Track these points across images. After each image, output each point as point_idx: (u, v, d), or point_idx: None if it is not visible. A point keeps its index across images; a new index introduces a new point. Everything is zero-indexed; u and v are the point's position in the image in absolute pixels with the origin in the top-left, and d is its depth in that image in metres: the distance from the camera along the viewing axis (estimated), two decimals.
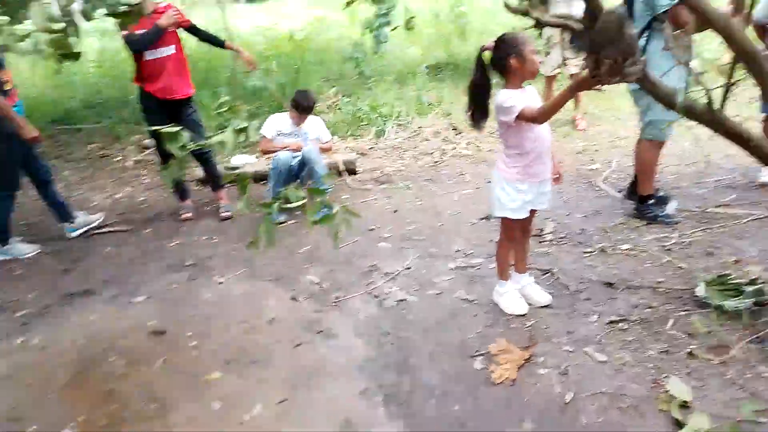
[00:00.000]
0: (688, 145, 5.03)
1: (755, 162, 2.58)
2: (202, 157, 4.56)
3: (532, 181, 2.67)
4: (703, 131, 2.60)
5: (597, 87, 2.22)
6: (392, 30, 5.42)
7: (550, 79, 6.13)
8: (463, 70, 8.42)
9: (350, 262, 3.65)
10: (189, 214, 4.61)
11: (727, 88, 2.30)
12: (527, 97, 2.58)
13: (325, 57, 9.36)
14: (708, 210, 3.89)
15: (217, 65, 8.11)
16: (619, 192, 4.36)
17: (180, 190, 4.67)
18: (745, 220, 3.70)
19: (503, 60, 2.54)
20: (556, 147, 5.61)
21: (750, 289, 2.69)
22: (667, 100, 2.32)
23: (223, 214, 4.58)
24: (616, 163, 5.02)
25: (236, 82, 7.22)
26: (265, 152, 4.77)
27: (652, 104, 3.61)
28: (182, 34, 4.47)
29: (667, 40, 3.39)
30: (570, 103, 6.40)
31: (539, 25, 2.39)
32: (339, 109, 6.70)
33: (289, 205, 2.27)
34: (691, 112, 2.30)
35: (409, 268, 3.51)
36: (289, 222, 4.37)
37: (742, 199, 4.04)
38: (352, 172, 5.41)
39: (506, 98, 2.51)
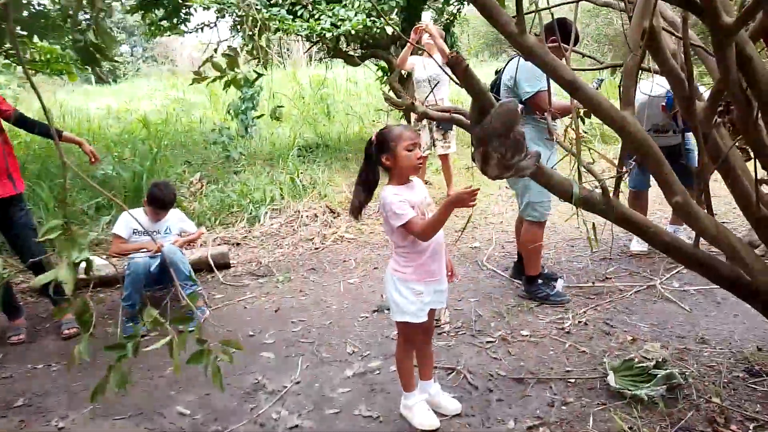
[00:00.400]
0: (556, 218, 5.20)
1: (623, 231, 2.56)
2: (37, 265, 3.80)
3: (429, 280, 2.42)
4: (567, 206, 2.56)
5: (472, 203, 2.17)
6: (258, 117, 5.07)
7: (422, 159, 6.16)
8: (333, 150, 8.34)
9: (228, 382, 3.10)
10: (20, 336, 3.77)
11: (619, 177, 2.26)
12: (415, 193, 2.40)
13: (186, 141, 8.83)
14: (594, 285, 3.92)
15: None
16: (505, 271, 4.31)
17: (8, 307, 3.83)
18: (629, 293, 3.75)
19: (378, 158, 2.36)
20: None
21: (659, 373, 2.60)
22: (562, 192, 2.22)
23: (66, 332, 3.80)
24: (496, 241, 5.03)
25: (82, 172, 6.42)
26: (118, 255, 4.11)
27: (528, 186, 3.63)
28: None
29: (545, 128, 3.47)
30: (443, 182, 6.53)
31: (424, 117, 2.21)
32: (205, 196, 6.17)
33: (151, 346, 1.76)
34: (588, 203, 2.21)
35: (298, 382, 3.05)
36: (149, 335, 3.72)
37: (621, 270, 4.15)
38: (224, 266, 4.88)
39: (395, 200, 2.30)
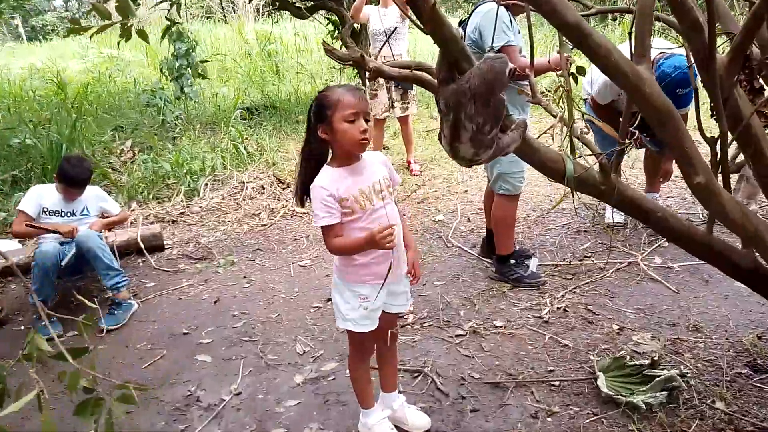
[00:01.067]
0: (527, 188, 4.81)
1: (597, 200, 2.16)
2: None
3: (375, 282, 1.97)
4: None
5: (388, 245, 1.78)
6: (199, 78, 4.35)
7: (380, 123, 5.64)
8: (282, 113, 7.71)
9: (155, 395, 2.62)
10: None
11: (621, 151, 1.83)
12: (361, 178, 1.91)
13: (120, 104, 8.01)
14: (570, 264, 3.56)
15: None
16: (473, 248, 3.90)
17: None
18: (609, 272, 3.41)
19: (314, 129, 1.87)
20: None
21: (657, 375, 2.25)
22: (552, 170, 1.78)
23: None
24: (461, 213, 4.61)
25: None
26: (21, 236, 3.50)
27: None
28: None
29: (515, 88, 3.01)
30: (402, 148, 6.03)
31: (378, 75, 1.71)
32: (136, 167, 5.50)
33: (7, 409, 1.24)
34: (584, 183, 1.78)
35: (239, 394, 2.59)
36: (65, 336, 3.17)
37: (598, 245, 3.80)
38: (157, 248, 4.31)
39: (318, 196, 1.85)
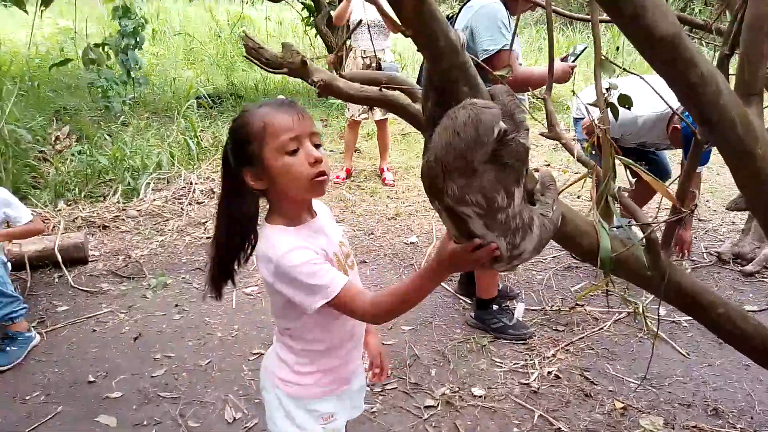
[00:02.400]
0: None
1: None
2: None
3: (341, 390, 1.40)
4: None
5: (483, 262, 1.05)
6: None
7: (355, 124, 5.05)
8: (247, 101, 7.04)
9: None
10: None
11: (679, 219, 1.29)
12: (325, 237, 1.31)
13: (70, 83, 7.22)
14: (561, 311, 3.04)
15: None
16: (449, 282, 3.36)
17: None
18: (607, 325, 2.90)
19: (239, 175, 1.24)
20: (362, 210, 4.63)
21: None
22: (579, 245, 1.24)
23: None
24: (437, 235, 4.06)
25: None
26: None
27: None
28: None
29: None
30: (375, 152, 5.45)
31: (327, 93, 1.13)
32: (66, 159, 4.79)
33: None
34: (624, 265, 1.24)
35: None
36: None
37: (591, 286, 3.29)
38: (79, 261, 3.65)
39: (299, 258, 1.18)
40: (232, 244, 1.28)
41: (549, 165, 5.36)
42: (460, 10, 2.74)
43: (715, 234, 3.90)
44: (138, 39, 5.24)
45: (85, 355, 2.75)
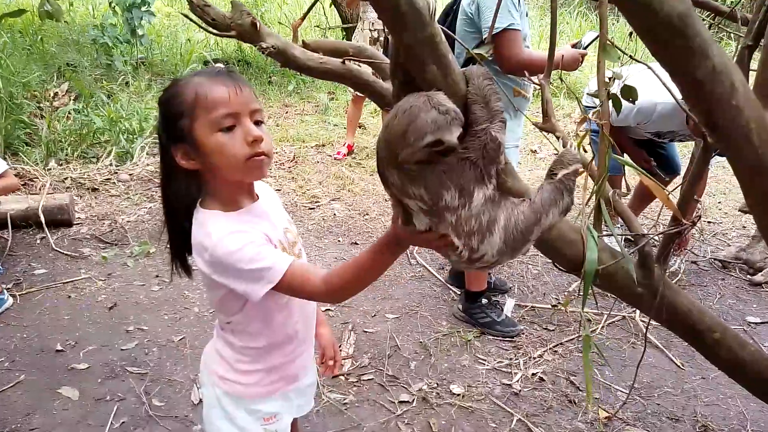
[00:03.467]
0: None
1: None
2: None
3: (287, 388, 1.28)
4: None
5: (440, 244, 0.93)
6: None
7: (359, 99, 4.88)
8: (255, 70, 6.88)
9: None
10: None
11: (678, 232, 1.14)
12: (268, 221, 1.19)
13: (79, 39, 7.04)
14: (554, 309, 2.91)
15: None
16: (441, 271, 3.24)
17: None
18: (599, 327, 2.77)
19: (168, 151, 1.12)
20: (359, 189, 4.46)
21: None
22: (563, 254, 1.10)
23: None
24: None
25: None
26: None
27: None
28: None
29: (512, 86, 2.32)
30: (378, 130, 5.26)
31: (284, 63, 0.99)
32: (63, 117, 4.67)
33: None
34: (612, 280, 1.11)
35: None
36: None
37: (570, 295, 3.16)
38: (63, 223, 3.55)
39: (236, 243, 1.06)
40: (176, 229, 1.16)
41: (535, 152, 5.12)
42: None
43: (723, 238, 3.73)
44: None
45: (57, 322, 2.67)
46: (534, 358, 2.52)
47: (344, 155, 4.89)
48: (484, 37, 2.27)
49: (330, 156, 4.89)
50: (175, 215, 1.15)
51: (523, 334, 2.69)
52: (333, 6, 8.19)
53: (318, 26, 8.63)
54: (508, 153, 1.00)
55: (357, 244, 3.52)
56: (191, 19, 1.01)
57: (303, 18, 1.11)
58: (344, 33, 7.39)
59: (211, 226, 1.08)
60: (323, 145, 5.13)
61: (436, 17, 1.02)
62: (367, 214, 3.94)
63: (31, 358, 2.43)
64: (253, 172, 1.10)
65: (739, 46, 0.90)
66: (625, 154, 3.20)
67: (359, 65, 1.08)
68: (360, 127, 5.48)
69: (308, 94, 6.49)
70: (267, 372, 1.23)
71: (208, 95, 1.04)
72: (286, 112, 6.00)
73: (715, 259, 3.41)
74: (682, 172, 3.22)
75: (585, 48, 2.44)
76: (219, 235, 1.06)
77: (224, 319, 1.22)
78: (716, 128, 0.70)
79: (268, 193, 1.26)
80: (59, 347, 2.49)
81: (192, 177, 1.12)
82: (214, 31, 0.92)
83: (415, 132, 0.77)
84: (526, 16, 2.44)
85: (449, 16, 2.52)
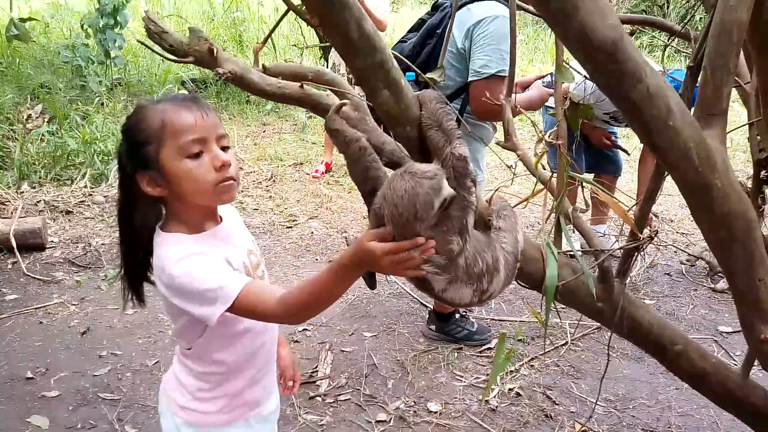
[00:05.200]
0: None
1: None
2: None
3: (250, 414, 1.27)
4: None
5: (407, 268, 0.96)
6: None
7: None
8: (233, 91, 6.86)
9: None
10: None
11: (636, 248, 1.17)
12: (230, 244, 1.18)
13: (48, 60, 6.99)
14: (530, 322, 2.93)
15: None
16: (416, 289, 3.24)
17: None
18: (575, 337, 2.79)
19: (134, 181, 1.11)
20: (337, 207, 4.44)
21: None
22: (523, 270, 1.12)
23: None
24: None
25: None
26: None
27: None
28: None
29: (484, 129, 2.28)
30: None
31: (240, 85, 1.01)
32: (35, 140, 4.62)
33: None
34: (571, 295, 1.12)
35: None
36: None
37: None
38: (36, 247, 3.50)
39: (192, 266, 1.06)
40: (133, 258, 1.16)
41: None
42: (457, 5, 2.35)
43: (693, 249, 3.79)
44: (119, 18, 5.06)
45: (27, 349, 2.62)
46: (510, 373, 2.53)
47: (322, 173, 4.89)
48: (470, 78, 2.19)
49: (308, 174, 4.90)
50: (134, 244, 1.15)
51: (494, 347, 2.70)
52: (309, 26, 8.27)
53: (296, 45, 8.69)
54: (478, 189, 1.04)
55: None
56: (148, 47, 1.02)
57: (264, 42, 1.13)
58: (321, 52, 7.44)
59: (171, 248, 1.08)
60: (301, 164, 5.13)
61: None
62: (345, 232, 3.94)
63: (0, 386, 2.38)
64: (222, 196, 1.11)
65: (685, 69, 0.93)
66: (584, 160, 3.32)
67: (325, 90, 1.09)
68: None
69: (286, 113, 6.50)
70: (229, 398, 1.22)
71: (175, 122, 1.04)
72: (264, 131, 6.00)
73: (689, 255, 3.48)
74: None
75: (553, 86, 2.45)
76: (177, 257, 1.06)
77: (185, 346, 1.21)
78: (657, 148, 0.73)
79: (231, 215, 1.26)
80: (29, 374, 2.44)
81: (155, 204, 1.12)
82: (172, 57, 0.93)
83: (424, 207, 0.85)
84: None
85: (431, 38, 2.34)
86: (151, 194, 1.09)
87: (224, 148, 1.09)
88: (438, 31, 2.31)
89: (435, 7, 2.45)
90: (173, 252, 1.07)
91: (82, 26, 5.15)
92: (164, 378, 1.31)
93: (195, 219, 1.14)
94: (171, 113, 1.05)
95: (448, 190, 0.89)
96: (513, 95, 1.28)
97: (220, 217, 1.20)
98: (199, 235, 1.13)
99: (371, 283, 2.29)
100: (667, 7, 10.48)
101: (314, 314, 1.09)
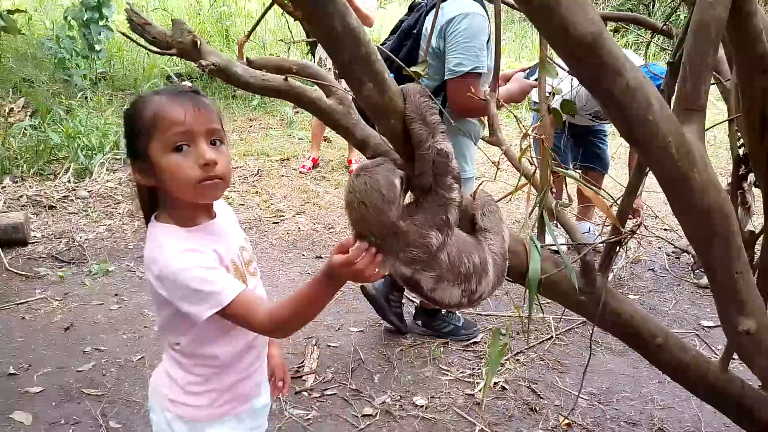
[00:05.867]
0: None
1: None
2: None
3: (240, 409, 1.27)
4: None
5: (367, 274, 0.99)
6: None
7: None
8: (219, 85, 6.82)
9: None
10: None
11: (617, 242, 1.18)
12: (219, 240, 1.18)
13: (31, 53, 6.90)
14: (517, 317, 2.95)
15: None
16: None
17: None
18: (560, 332, 2.82)
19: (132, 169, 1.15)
20: (324, 203, 4.44)
21: None
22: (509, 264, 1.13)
23: None
24: None
25: None
26: None
27: None
28: None
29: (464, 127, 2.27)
30: (344, 143, 5.30)
31: (224, 78, 1.01)
32: (17, 133, 4.56)
33: None
34: (555, 288, 1.14)
35: None
36: None
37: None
38: (18, 243, 3.46)
39: (189, 262, 1.07)
40: None
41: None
42: (432, 4, 2.33)
43: (679, 244, 3.84)
44: (104, 11, 5.00)
45: (9, 345, 2.59)
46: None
47: (309, 168, 4.88)
48: (447, 76, 2.19)
49: (295, 170, 4.88)
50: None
51: (485, 343, 2.72)
52: (294, 19, 8.23)
53: (282, 40, 8.64)
54: (466, 184, 1.06)
55: (321, 257, 3.51)
56: (132, 39, 1.01)
57: (248, 35, 1.13)
58: (308, 46, 7.41)
59: (163, 240, 1.09)
60: (288, 159, 5.12)
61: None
62: (332, 228, 3.94)
63: None
64: (203, 194, 1.11)
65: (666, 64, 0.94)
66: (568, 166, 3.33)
67: (309, 83, 1.09)
68: (325, 140, 5.49)
69: (273, 108, 6.47)
70: (219, 392, 1.22)
71: (165, 115, 1.05)
72: (251, 126, 5.97)
73: (675, 247, 3.53)
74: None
75: (536, 78, 2.47)
76: (171, 252, 1.06)
77: (173, 340, 1.20)
78: (637, 142, 0.74)
79: (225, 211, 1.27)
80: (12, 370, 2.42)
81: (150, 192, 1.15)
82: (155, 49, 0.92)
83: (388, 187, 0.88)
84: (491, 49, 2.24)
85: (408, 39, 2.37)
86: (140, 183, 1.11)
87: (215, 143, 1.10)
88: (414, 31, 2.34)
89: (411, 8, 2.47)
90: (167, 244, 1.08)
91: (65, 18, 5.09)
92: (154, 372, 1.31)
93: (187, 212, 1.14)
94: (163, 106, 1.06)
95: (400, 171, 0.93)
96: (495, 92, 1.29)
97: (215, 213, 1.20)
98: (192, 229, 1.14)
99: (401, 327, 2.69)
100: (653, 6, 10.57)
101: (299, 326, 1.13)
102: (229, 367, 1.21)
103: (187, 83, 1.21)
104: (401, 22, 2.46)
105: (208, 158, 1.06)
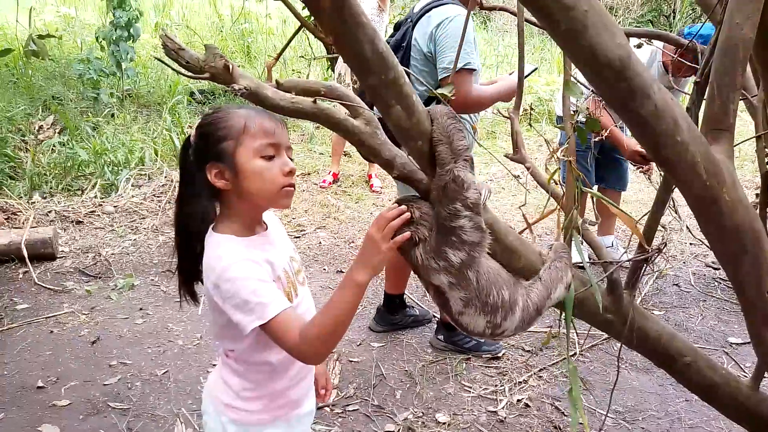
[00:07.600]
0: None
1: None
2: None
3: (291, 414, 1.29)
4: None
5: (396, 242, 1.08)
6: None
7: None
8: (241, 101, 6.92)
9: None
10: None
11: (645, 259, 1.18)
12: (275, 250, 1.23)
13: (63, 71, 7.08)
14: (537, 332, 2.92)
15: None
16: (424, 297, 3.24)
17: None
18: (584, 348, 2.79)
19: (201, 173, 1.17)
20: (345, 217, 4.47)
21: None
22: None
23: None
24: None
25: None
26: None
27: None
28: None
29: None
30: (361, 158, 5.33)
31: (255, 101, 1.04)
32: (48, 150, 4.68)
33: None
34: (582, 307, 1.13)
35: None
36: None
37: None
38: (47, 257, 3.53)
39: (245, 272, 1.11)
40: (188, 253, 1.20)
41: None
42: (420, 14, 2.39)
43: (704, 260, 3.79)
44: (131, 31, 5.13)
45: (38, 358, 2.64)
46: (519, 384, 2.52)
47: (330, 183, 4.92)
48: (440, 76, 2.26)
49: (315, 184, 4.92)
50: (189, 238, 1.21)
51: (508, 359, 2.70)
52: (317, 37, 8.34)
53: (303, 56, 8.76)
54: None
55: (342, 272, 3.53)
56: (166, 63, 1.05)
57: (277, 58, 1.15)
58: (329, 63, 7.50)
59: (223, 249, 1.14)
60: (309, 174, 5.16)
61: None
62: (353, 242, 3.95)
63: (11, 396, 2.40)
64: (283, 200, 1.19)
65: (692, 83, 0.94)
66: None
67: (333, 104, 1.11)
68: (345, 155, 5.54)
69: (294, 123, 6.53)
70: (271, 398, 1.26)
71: (257, 125, 1.13)
72: None
73: (707, 265, 3.49)
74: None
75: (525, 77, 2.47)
76: (229, 260, 1.11)
77: (228, 347, 1.24)
78: (666, 162, 0.74)
79: (275, 222, 1.33)
80: (40, 383, 2.47)
81: (213, 199, 1.19)
82: (188, 73, 0.95)
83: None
84: (476, 48, 2.37)
85: (398, 51, 2.41)
86: (215, 185, 1.15)
87: (291, 159, 1.19)
88: (403, 44, 2.44)
89: (397, 27, 2.56)
90: (225, 253, 1.13)
91: (97, 39, 5.22)
92: (209, 378, 1.36)
93: (247, 220, 1.20)
94: (253, 118, 1.14)
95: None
96: (518, 110, 1.30)
97: (266, 224, 1.26)
98: (249, 239, 1.19)
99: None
100: (673, 17, 10.50)
101: (330, 342, 1.11)
102: (281, 374, 1.24)
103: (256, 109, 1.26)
104: (390, 38, 2.56)
105: (292, 167, 1.17)
